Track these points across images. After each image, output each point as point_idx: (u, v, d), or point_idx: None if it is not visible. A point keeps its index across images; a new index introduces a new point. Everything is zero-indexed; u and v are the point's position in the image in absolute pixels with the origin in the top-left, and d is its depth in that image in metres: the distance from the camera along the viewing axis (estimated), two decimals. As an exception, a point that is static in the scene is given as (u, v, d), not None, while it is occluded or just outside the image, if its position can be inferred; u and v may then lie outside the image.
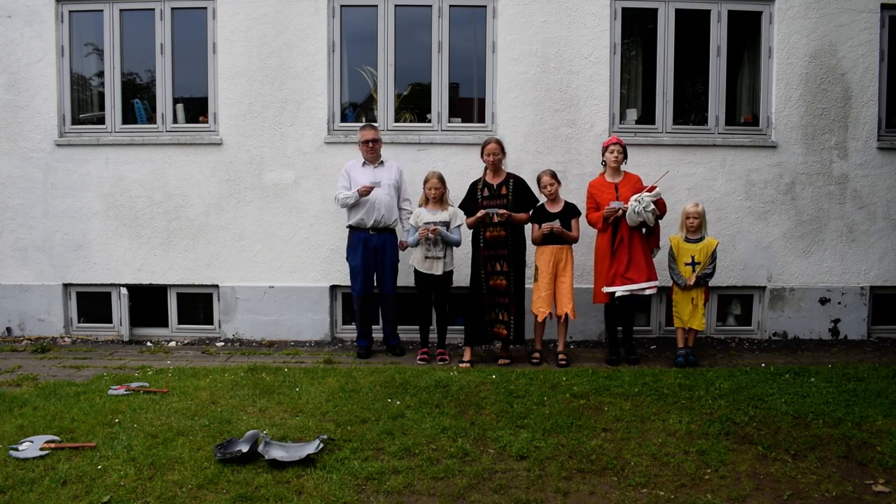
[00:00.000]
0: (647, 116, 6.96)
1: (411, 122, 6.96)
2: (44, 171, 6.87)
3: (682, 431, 4.23)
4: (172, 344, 6.81)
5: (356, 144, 6.29)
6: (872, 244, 6.90)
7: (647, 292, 5.88)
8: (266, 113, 6.78)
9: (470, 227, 5.97)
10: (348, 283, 6.42)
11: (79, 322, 7.09)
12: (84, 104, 7.10)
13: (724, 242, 6.66)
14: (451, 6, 6.75)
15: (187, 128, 6.92)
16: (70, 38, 6.88)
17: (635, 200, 5.68)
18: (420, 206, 6.09)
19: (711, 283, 6.07)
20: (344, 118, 6.92)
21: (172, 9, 6.81)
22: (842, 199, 6.86)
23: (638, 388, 5.03)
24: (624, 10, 6.78)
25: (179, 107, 6.95)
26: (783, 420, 4.42)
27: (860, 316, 6.94)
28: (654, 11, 6.80)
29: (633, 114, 6.99)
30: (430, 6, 6.75)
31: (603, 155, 6.04)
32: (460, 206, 6.02)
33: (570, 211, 6.00)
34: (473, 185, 6.02)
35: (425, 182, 5.99)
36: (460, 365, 5.84)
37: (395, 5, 6.74)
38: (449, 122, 6.87)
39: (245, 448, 3.78)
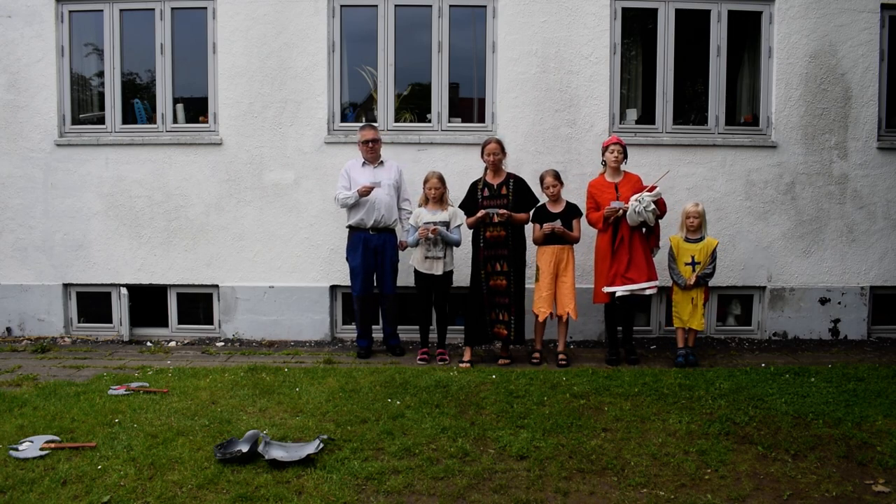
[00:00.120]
0: (647, 116, 6.96)
1: (411, 122, 6.96)
2: (44, 171, 6.87)
3: (682, 431, 4.23)
4: (172, 344, 6.81)
5: (356, 144, 6.29)
6: (872, 244, 6.90)
7: (648, 292, 5.88)
8: (266, 113, 6.78)
9: (470, 227, 5.97)
10: (348, 283, 6.42)
11: (79, 322, 7.09)
12: (84, 104, 7.10)
13: (724, 242, 6.66)
14: (451, 6, 6.75)
15: (187, 128, 6.92)
16: (70, 38, 6.88)
17: (636, 200, 5.68)
18: (420, 206, 6.09)
19: (711, 283, 6.07)
20: (344, 118, 6.92)
21: (172, 9, 6.82)
22: (842, 199, 6.86)
23: (638, 388, 5.03)
24: (624, 10, 6.78)
25: (179, 107, 6.95)
26: (783, 420, 4.42)
27: (860, 316, 6.94)
28: (654, 11, 6.80)
29: (633, 114, 6.99)
30: (430, 6, 6.75)
31: (603, 155, 6.04)
32: (460, 206, 6.02)
33: (572, 211, 6.00)
34: (474, 185, 6.02)
35: (425, 182, 5.99)
36: (460, 365, 5.85)
37: (395, 5, 6.74)
38: (449, 122, 6.87)
39: (245, 448, 3.78)
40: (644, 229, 5.90)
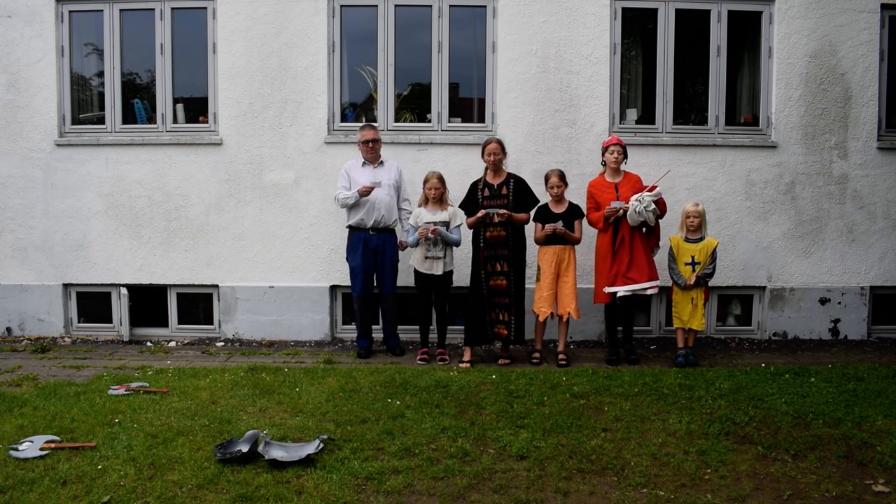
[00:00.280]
0: (647, 116, 6.96)
1: (411, 122, 6.96)
2: (44, 171, 6.87)
3: (682, 431, 4.23)
4: (172, 344, 6.81)
5: (356, 144, 6.29)
6: (872, 244, 6.90)
7: (649, 292, 5.88)
8: (266, 113, 6.78)
9: (470, 227, 5.97)
10: (348, 283, 6.42)
11: (79, 322, 7.09)
12: (84, 104, 7.10)
13: (724, 242, 6.66)
14: (451, 6, 6.75)
15: (187, 128, 6.92)
16: (70, 38, 6.88)
17: (636, 200, 5.69)
18: (420, 205, 6.09)
19: (711, 283, 6.07)
20: (344, 118, 6.92)
21: (172, 9, 6.82)
22: (842, 199, 6.86)
23: (638, 388, 5.03)
24: (624, 10, 6.78)
25: (179, 107, 6.95)
26: (783, 420, 4.42)
27: (860, 316, 6.94)
28: (654, 11, 6.80)
29: (633, 114, 6.99)
30: (430, 6, 6.75)
31: (603, 155, 6.04)
32: (460, 206, 6.02)
33: (574, 212, 6.00)
34: (474, 185, 6.02)
35: (425, 182, 5.99)
36: (460, 365, 5.84)
37: (395, 5, 6.74)
38: (449, 122, 6.87)
39: (245, 448, 3.78)
40: (644, 229, 5.90)
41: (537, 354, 6.05)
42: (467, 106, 7.08)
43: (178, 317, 7.07)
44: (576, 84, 6.73)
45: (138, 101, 7.01)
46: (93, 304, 7.08)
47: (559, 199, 5.99)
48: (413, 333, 6.57)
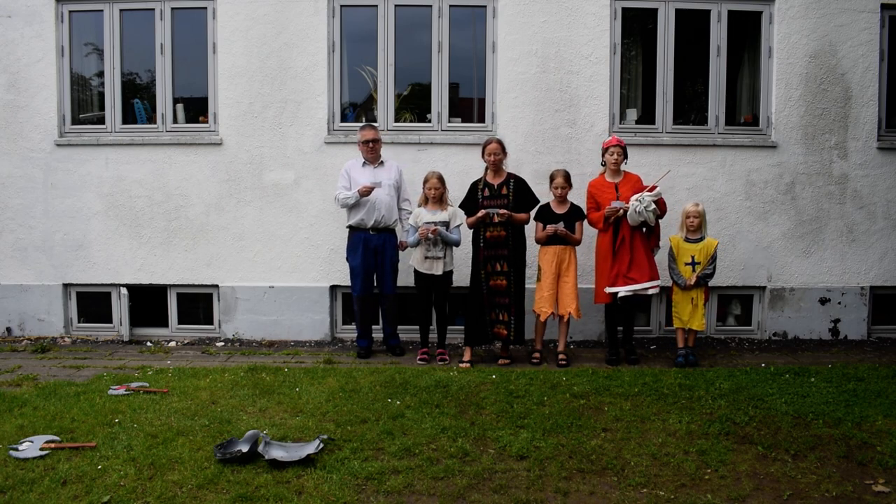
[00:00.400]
0: (647, 116, 6.96)
1: (411, 122, 6.96)
2: (44, 171, 6.87)
3: (682, 431, 4.23)
4: (172, 344, 6.81)
5: (356, 144, 6.29)
6: (872, 244, 6.90)
7: (650, 292, 5.88)
8: (266, 113, 6.78)
9: (470, 227, 5.97)
10: (348, 283, 6.42)
11: (79, 322, 7.09)
12: (84, 104, 7.10)
13: (724, 242, 6.66)
14: (451, 6, 6.75)
15: (187, 128, 6.92)
16: (70, 38, 6.88)
17: (636, 200, 5.69)
18: (419, 205, 6.09)
19: (711, 283, 6.07)
20: (344, 118, 6.92)
21: (172, 9, 6.82)
22: (842, 199, 6.86)
23: (638, 388, 5.03)
24: (624, 10, 6.78)
25: (179, 107, 6.95)
26: (783, 420, 4.42)
27: (860, 316, 6.94)
28: (654, 11, 6.80)
29: (633, 114, 6.99)
30: (430, 6, 6.75)
31: (603, 156, 6.04)
32: (461, 206, 6.02)
33: (575, 213, 6.00)
34: (474, 185, 6.02)
35: (425, 182, 5.99)
36: (460, 365, 5.84)
37: (395, 5, 6.74)
38: (449, 122, 6.87)
39: (245, 448, 3.78)
40: (644, 229, 5.90)
41: (537, 354, 6.05)
42: (467, 106, 7.08)
43: (178, 317, 7.07)
44: (576, 84, 6.73)
45: (138, 101, 7.01)
46: (93, 304, 7.08)
47: (562, 199, 5.99)
48: (413, 333, 6.57)
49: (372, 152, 6.15)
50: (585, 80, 6.73)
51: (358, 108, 7.10)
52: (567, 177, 5.96)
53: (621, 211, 5.76)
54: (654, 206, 5.70)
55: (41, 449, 3.92)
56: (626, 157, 5.99)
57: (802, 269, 6.90)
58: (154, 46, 6.84)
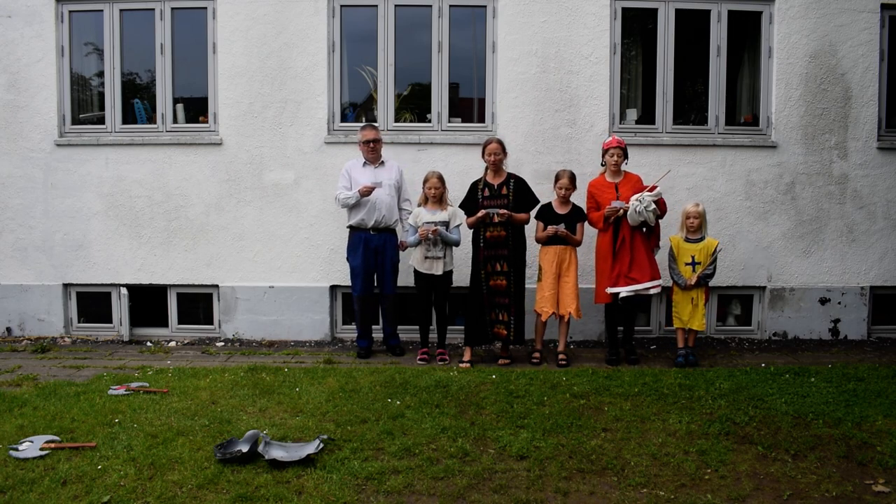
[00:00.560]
0: (647, 116, 6.96)
1: (411, 122, 6.96)
2: (44, 171, 6.87)
3: (682, 431, 4.23)
4: (172, 344, 6.81)
5: (356, 144, 6.29)
6: (872, 244, 6.90)
7: (652, 292, 5.88)
8: (266, 113, 6.78)
9: (470, 227, 5.97)
10: (348, 283, 6.42)
11: (79, 322, 7.09)
12: (84, 104, 7.10)
13: (724, 242, 6.65)
14: (451, 6, 6.75)
15: (187, 128, 6.92)
16: (70, 38, 6.88)
17: (636, 200, 5.68)
18: (419, 205, 6.09)
19: (711, 283, 6.07)
20: (344, 118, 6.92)
21: (172, 9, 6.81)
22: (842, 199, 6.86)
23: (638, 388, 5.03)
24: (624, 10, 6.78)
25: (179, 107, 6.95)
26: (783, 420, 4.42)
27: (860, 316, 6.94)
28: (654, 11, 6.80)
29: (633, 114, 6.99)
30: (430, 6, 6.75)
31: (603, 157, 6.04)
32: (461, 206, 6.02)
33: (577, 214, 6.00)
34: (474, 185, 6.02)
35: (425, 182, 5.99)
36: (460, 365, 5.84)
37: (395, 5, 6.74)
38: (449, 122, 6.87)
39: (245, 448, 3.78)
40: (644, 229, 5.90)
41: (537, 354, 6.05)
42: (467, 106, 7.08)
43: (178, 317, 7.07)
44: (576, 84, 6.73)
45: (138, 101, 7.01)
46: (93, 304, 7.08)
47: (565, 200, 5.99)
48: (413, 333, 6.57)
49: (373, 152, 6.15)
50: (585, 80, 6.73)
51: (358, 108, 7.10)
52: (572, 178, 5.95)
53: (621, 211, 5.76)
54: (654, 206, 5.70)
55: (41, 449, 3.92)
56: (626, 157, 5.99)
57: (802, 269, 6.90)
58: (154, 46, 6.84)
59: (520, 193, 5.92)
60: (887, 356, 6.28)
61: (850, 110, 6.81)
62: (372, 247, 6.12)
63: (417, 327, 6.33)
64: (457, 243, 6.02)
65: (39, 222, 6.90)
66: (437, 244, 5.93)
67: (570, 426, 4.30)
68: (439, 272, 5.97)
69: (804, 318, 6.92)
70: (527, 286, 6.04)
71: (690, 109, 7.13)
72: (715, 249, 5.92)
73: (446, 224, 5.94)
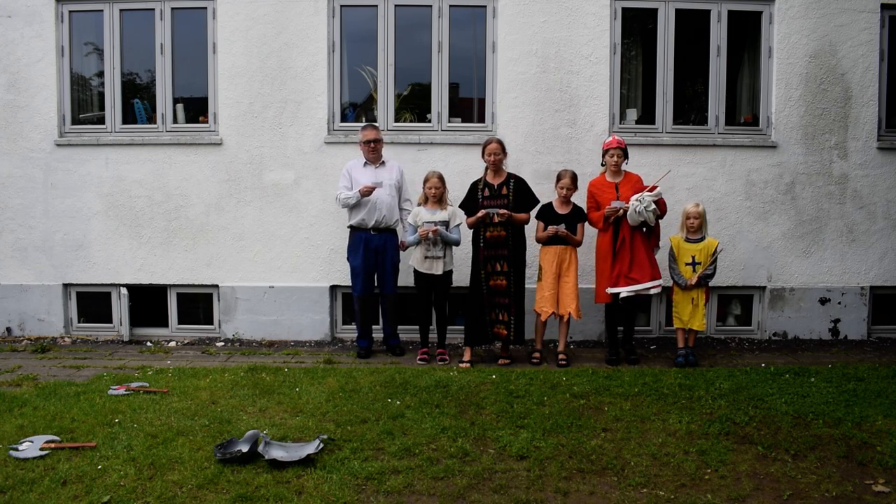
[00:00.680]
0: (647, 116, 6.96)
1: (411, 122, 6.96)
2: (44, 171, 6.87)
3: (682, 431, 4.23)
4: (172, 344, 6.81)
5: (356, 144, 6.30)
6: (872, 244, 6.90)
7: (652, 292, 5.88)
8: (266, 113, 6.78)
9: (470, 227, 5.97)
10: (348, 283, 6.42)
11: (79, 322, 7.09)
12: (84, 104, 7.10)
13: (725, 242, 6.64)
14: (451, 6, 6.75)
15: (187, 128, 6.92)
16: (70, 38, 6.88)
17: (636, 200, 5.68)
18: (419, 204, 6.09)
19: (711, 283, 6.07)
20: (344, 118, 6.92)
21: (172, 9, 6.81)
22: (842, 199, 6.86)
23: (638, 388, 5.03)
24: (624, 10, 6.78)
25: (179, 107, 6.95)
26: (783, 420, 4.42)
27: (860, 316, 6.94)
28: (654, 11, 6.80)
29: (633, 114, 6.99)
30: (430, 6, 6.75)
31: (603, 157, 6.04)
32: (460, 206, 6.02)
33: (577, 214, 6.00)
34: (474, 185, 6.02)
35: (426, 181, 5.99)
36: (460, 365, 5.84)
37: (395, 5, 6.74)
38: (449, 122, 6.87)
39: (245, 448, 3.78)
40: (644, 229, 5.90)
41: (537, 354, 6.05)
42: (467, 106, 7.08)
43: (178, 317, 7.07)
44: (576, 84, 6.73)
45: (138, 101, 7.01)
46: (93, 304, 7.08)
47: (566, 200, 5.99)
48: (413, 333, 6.57)
49: (373, 152, 6.15)
50: (585, 80, 6.73)
51: (358, 108, 7.10)
52: (574, 178, 5.94)
53: (621, 211, 5.76)
54: (654, 206, 5.70)
55: (41, 449, 3.92)
56: (626, 157, 5.99)
57: (802, 269, 6.90)
58: (154, 46, 6.83)
59: (520, 193, 5.92)
60: (887, 356, 6.28)
61: (850, 110, 6.81)
62: (372, 247, 6.12)
63: (417, 327, 6.33)
64: (457, 243, 6.02)
65: (39, 222, 6.91)
66: (436, 244, 5.93)
67: (570, 426, 4.30)
68: (439, 272, 5.97)
69: (804, 318, 6.92)
70: (527, 286, 6.04)
71: (690, 109, 7.13)
72: (715, 249, 5.92)
73: (446, 224, 5.94)
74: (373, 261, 6.15)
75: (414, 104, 7.01)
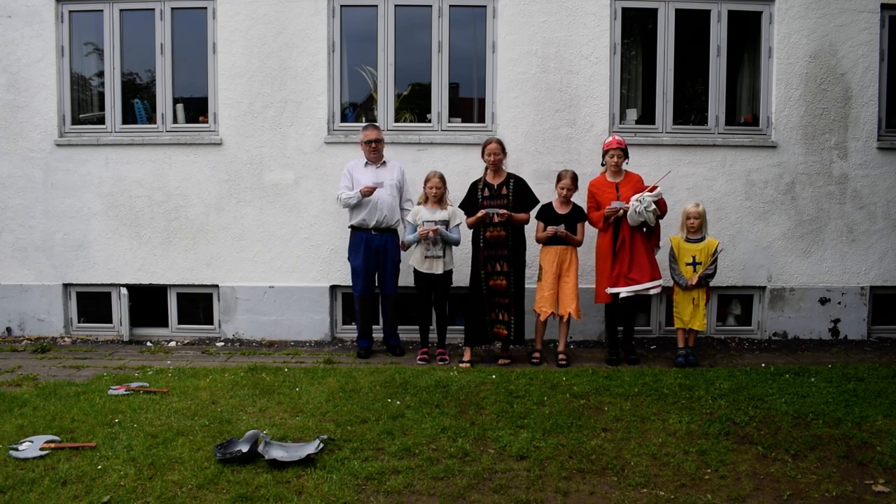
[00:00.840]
0: (647, 116, 6.96)
1: (411, 122, 6.96)
2: (44, 171, 6.87)
3: (682, 431, 4.23)
4: (172, 344, 6.81)
5: (356, 144, 6.30)
6: (872, 244, 6.90)
7: (652, 292, 5.88)
8: (266, 113, 6.78)
9: (470, 227, 5.97)
10: (348, 283, 6.42)
11: (79, 322, 7.09)
12: (84, 104, 7.10)
13: (725, 242, 6.64)
14: (451, 6, 6.75)
15: (187, 128, 6.92)
16: (70, 38, 6.88)
17: (636, 200, 5.68)
18: (419, 204, 6.09)
19: (711, 283, 6.07)
20: (344, 118, 6.92)
21: (172, 9, 6.81)
22: (842, 199, 6.86)
23: (638, 388, 5.03)
24: (624, 10, 6.78)
25: (179, 107, 6.95)
26: (783, 420, 4.42)
27: (860, 316, 6.94)
28: (654, 11, 6.80)
29: (633, 114, 6.99)
30: (430, 6, 6.75)
31: (603, 157, 6.04)
32: (460, 206, 6.02)
33: (577, 214, 6.00)
34: (474, 185, 6.02)
35: (426, 181, 5.99)
36: (460, 365, 5.84)
37: (395, 5, 6.74)
38: (449, 122, 6.87)
39: (245, 448, 3.78)
40: (644, 229, 5.90)
41: (537, 354, 6.05)
42: (467, 106, 7.08)
43: (178, 317, 7.07)
44: (576, 84, 6.73)
45: (138, 101, 7.01)
46: (93, 304, 7.08)
47: (566, 200, 5.99)
48: (413, 333, 6.57)
49: (374, 152, 6.15)
50: (585, 80, 6.73)
51: (358, 108, 7.10)
52: (575, 178, 5.94)
53: (621, 211, 5.76)
54: (654, 206, 5.70)
55: (41, 449, 3.92)
56: (626, 157, 5.99)
57: (802, 269, 6.90)
58: (154, 46, 6.83)
59: (519, 193, 5.92)
60: (887, 356, 6.28)
61: (850, 110, 6.81)
62: (373, 247, 6.12)
63: (417, 327, 6.33)
64: (457, 242, 6.02)
65: (39, 222, 6.91)
66: (436, 244, 5.93)
67: (570, 426, 4.30)
68: (439, 272, 5.97)
69: (804, 318, 6.92)
70: (527, 286, 6.04)
71: (690, 109, 7.13)
72: (715, 249, 5.92)
73: (446, 223, 5.94)
74: (373, 261, 6.15)
75: (414, 104, 7.01)
